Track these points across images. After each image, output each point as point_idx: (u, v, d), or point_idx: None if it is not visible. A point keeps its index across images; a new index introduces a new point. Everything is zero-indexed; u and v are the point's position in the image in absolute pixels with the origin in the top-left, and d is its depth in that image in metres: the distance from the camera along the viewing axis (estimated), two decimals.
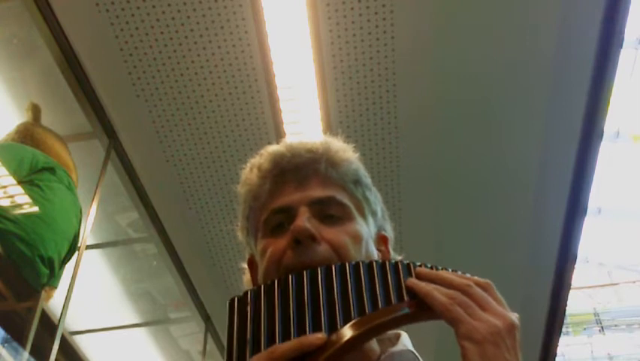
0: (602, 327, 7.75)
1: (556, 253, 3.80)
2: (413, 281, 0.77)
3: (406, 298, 0.76)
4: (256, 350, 0.72)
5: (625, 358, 7.66)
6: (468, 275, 0.78)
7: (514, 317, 0.74)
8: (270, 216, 0.92)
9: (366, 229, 0.93)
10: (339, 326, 0.73)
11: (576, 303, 7.18)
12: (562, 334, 4.47)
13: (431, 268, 0.80)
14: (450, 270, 0.80)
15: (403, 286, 0.77)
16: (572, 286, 4.08)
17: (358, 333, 0.72)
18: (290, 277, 0.78)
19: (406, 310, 0.75)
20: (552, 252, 3.79)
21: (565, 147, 3.25)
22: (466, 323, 0.71)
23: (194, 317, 4.18)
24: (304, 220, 0.86)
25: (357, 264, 0.79)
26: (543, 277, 3.92)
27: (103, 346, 4.33)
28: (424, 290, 0.75)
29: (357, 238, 0.89)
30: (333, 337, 0.72)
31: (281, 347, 0.71)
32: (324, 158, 0.94)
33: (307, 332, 0.72)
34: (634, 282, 7.80)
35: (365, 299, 0.75)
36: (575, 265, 3.92)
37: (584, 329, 7.81)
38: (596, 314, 7.80)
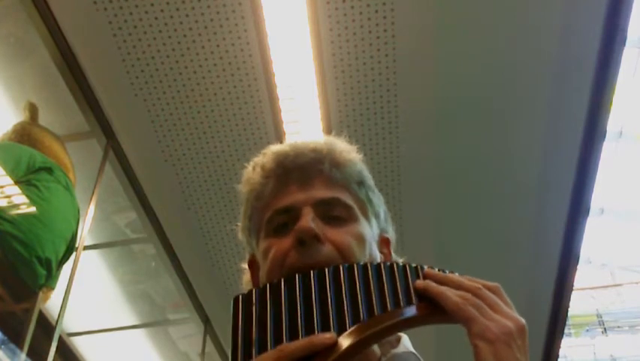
0: (604, 328, 7.73)
1: (558, 254, 3.78)
2: (425, 282, 0.77)
3: (414, 300, 0.76)
4: (262, 349, 0.71)
5: (628, 359, 7.63)
6: (477, 279, 0.79)
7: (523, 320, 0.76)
8: (274, 216, 0.91)
9: (370, 230, 0.93)
10: (348, 327, 0.72)
11: (578, 304, 7.17)
12: (564, 335, 4.44)
13: (439, 271, 0.80)
14: (457, 274, 0.80)
15: (412, 288, 0.77)
16: (574, 287, 4.06)
17: (369, 334, 0.71)
18: (297, 276, 0.77)
19: (415, 312, 0.75)
20: (554, 252, 3.77)
21: (567, 147, 3.23)
22: (480, 322, 0.72)
23: (192, 318, 4.16)
24: (309, 220, 0.86)
25: (366, 265, 0.78)
26: (545, 278, 3.90)
27: (101, 347, 4.32)
28: (437, 290, 0.76)
29: (360, 240, 0.89)
30: (343, 337, 0.71)
31: (290, 346, 0.70)
32: (328, 158, 0.94)
33: (316, 332, 0.71)
34: (637, 283, 7.77)
35: (374, 301, 0.75)
36: (578, 266, 3.91)
37: (586, 330, 7.79)
38: (598, 315, 7.77)
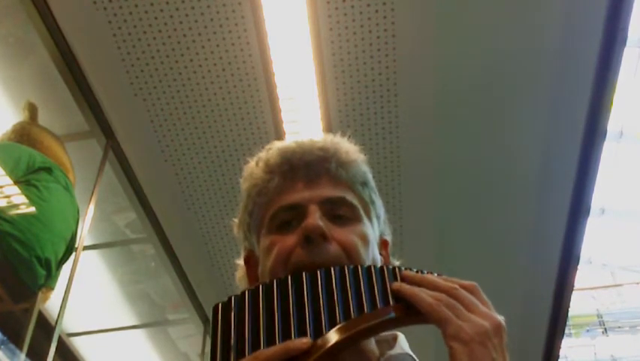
0: (605, 329, 7.72)
1: (559, 254, 3.77)
2: (399, 284, 0.77)
3: (391, 302, 0.76)
4: (240, 355, 0.71)
5: (628, 360, 7.62)
6: (454, 279, 0.78)
7: (501, 318, 0.74)
8: (278, 213, 0.91)
9: (372, 231, 0.93)
10: (324, 331, 0.72)
11: (579, 304, 7.16)
12: (564, 335, 4.44)
13: (417, 272, 0.80)
14: (436, 274, 0.80)
15: (389, 290, 0.77)
16: (574, 287, 4.05)
17: (344, 337, 0.71)
18: (274, 281, 0.77)
19: (392, 315, 0.75)
20: (555, 253, 3.77)
21: (568, 147, 3.22)
22: (453, 323, 0.71)
23: (192, 318, 4.16)
24: (316, 218, 0.86)
25: (343, 268, 0.78)
26: (546, 278, 3.89)
27: (100, 348, 4.32)
28: (410, 292, 0.75)
29: (365, 240, 0.89)
30: (319, 341, 0.71)
31: (266, 352, 0.70)
32: (334, 157, 0.94)
33: (292, 337, 0.71)
34: (638, 283, 7.76)
35: (351, 304, 0.75)
36: (578, 266, 3.90)
37: (587, 330, 7.78)
38: (599, 316, 7.76)
